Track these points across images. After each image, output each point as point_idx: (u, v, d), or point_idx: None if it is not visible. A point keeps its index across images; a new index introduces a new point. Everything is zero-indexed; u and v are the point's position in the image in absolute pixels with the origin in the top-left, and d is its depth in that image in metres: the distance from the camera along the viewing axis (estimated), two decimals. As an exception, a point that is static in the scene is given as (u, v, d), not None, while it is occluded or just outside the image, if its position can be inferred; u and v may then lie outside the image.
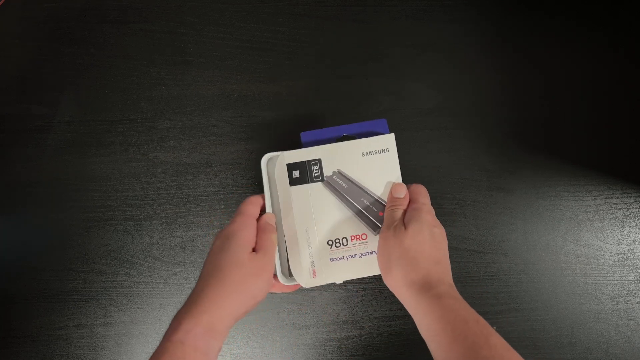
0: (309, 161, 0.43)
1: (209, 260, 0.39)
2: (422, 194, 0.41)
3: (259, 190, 0.45)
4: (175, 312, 0.36)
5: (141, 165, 0.58)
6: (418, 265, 0.37)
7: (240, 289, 0.37)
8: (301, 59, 0.61)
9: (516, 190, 0.58)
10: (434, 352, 0.35)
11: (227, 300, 0.36)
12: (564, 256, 0.57)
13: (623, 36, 0.62)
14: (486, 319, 0.35)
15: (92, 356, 0.54)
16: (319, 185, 0.43)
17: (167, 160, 0.58)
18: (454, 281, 0.38)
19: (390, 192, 0.42)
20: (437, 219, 0.40)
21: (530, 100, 0.60)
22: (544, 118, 0.60)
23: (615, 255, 0.57)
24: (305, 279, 0.43)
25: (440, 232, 0.39)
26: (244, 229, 0.39)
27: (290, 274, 0.43)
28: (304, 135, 0.44)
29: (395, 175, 0.43)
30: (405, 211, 0.41)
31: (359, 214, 0.43)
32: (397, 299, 0.39)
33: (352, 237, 0.43)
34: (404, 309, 0.38)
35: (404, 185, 0.42)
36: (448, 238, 0.40)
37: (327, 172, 0.43)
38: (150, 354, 0.34)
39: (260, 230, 0.41)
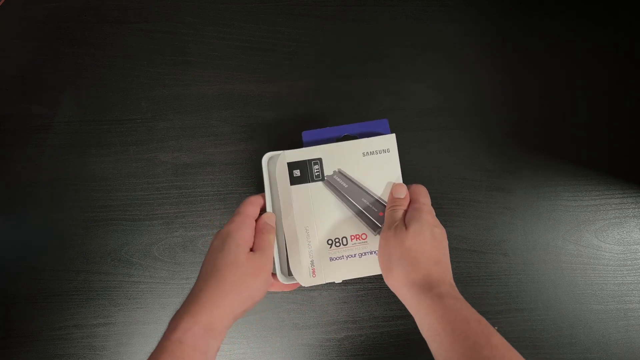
0: (310, 160, 0.43)
1: (207, 260, 0.39)
2: (423, 194, 0.42)
3: (259, 190, 0.45)
4: (174, 312, 0.36)
5: (141, 165, 0.58)
6: (419, 265, 0.37)
7: (238, 288, 0.37)
8: (301, 59, 0.61)
9: (516, 190, 0.58)
10: (435, 352, 0.35)
11: (226, 300, 0.36)
12: (564, 256, 0.57)
13: (623, 36, 0.62)
14: (486, 319, 0.35)
15: (92, 356, 0.54)
16: (319, 185, 0.43)
17: (167, 160, 0.58)
18: (454, 281, 0.38)
19: (391, 193, 0.42)
20: (437, 219, 0.40)
21: (530, 100, 0.60)
22: (544, 118, 0.60)
23: (615, 255, 0.57)
24: (304, 278, 0.43)
25: (441, 232, 0.39)
26: (242, 229, 0.39)
27: (290, 273, 0.43)
28: (306, 135, 0.44)
29: (396, 175, 0.43)
30: (405, 211, 0.41)
31: (359, 213, 0.43)
32: (397, 299, 0.39)
33: (352, 237, 0.43)
34: (404, 309, 0.38)
35: (404, 185, 0.42)
36: (448, 238, 0.40)
37: (328, 171, 0.43)
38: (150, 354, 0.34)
39: (258, 231, 0.41)
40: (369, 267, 0.43)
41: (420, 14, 0.62)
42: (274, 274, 0.43)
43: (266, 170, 0.44)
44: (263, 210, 0.43)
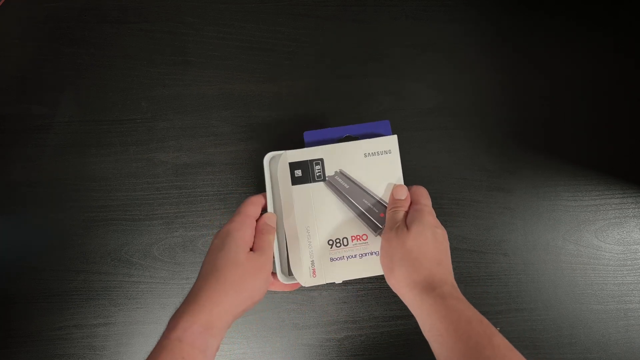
0: (311, 161, 0.43)
1: (207, 259, 0.39)
2: (423, 195, 0.42)
3: (259, 190, 0.45)
4: (174, 312, 0.36)
5: (141, 165, 0.58)
6: (421, 266, 0.37)
7: (238, 288, 0.37)
8: (301, 59, 0.61)
9: (516, 190, 0.58)
10: (437, 352, 0.35)
11: (225, 299, 0.36)
12: (564, 256, 0.57)
13: (623, 36, 0.62)
14: (486, 319, 0.35)
15: (92, 356, 0.54)
16: (320, 185, 0.43)
17: (167, 160, 0.58)
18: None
19: (392, 194, 0.42)
20: (438, 220, 0.40)
21: (530, 100, 0.60)
22: (544, 118, 0.60)
23: (615, 255, 0.57)
24: (304, 278, 0.43)
25: (442, 233, 0.39)
26: (242, 228, 0.39)
27: (290, 273, 0.43)
28: (307, 135, 0.44)
29: (397, 176, 0.43)
30: (406, 213, 0.41)
31: (360, 214, 0.43)
32: (397, 299, 0.39)
33: (353, 238, 0.43)
34: (404, 309, 0.38)
35: (405, 186, 0.42)
36: (448, 238, 0.40)
37: (329, 172, 0.43)
38: (151, 354, 0.34)
39: (258, 231, 0.41)
40: (369, 267, 0.43)
41: (420, 14, 0.62)
42: (274, 274, 0.43)
43: (268, 170, 0.44)
44: (264, 209, 0.43)
